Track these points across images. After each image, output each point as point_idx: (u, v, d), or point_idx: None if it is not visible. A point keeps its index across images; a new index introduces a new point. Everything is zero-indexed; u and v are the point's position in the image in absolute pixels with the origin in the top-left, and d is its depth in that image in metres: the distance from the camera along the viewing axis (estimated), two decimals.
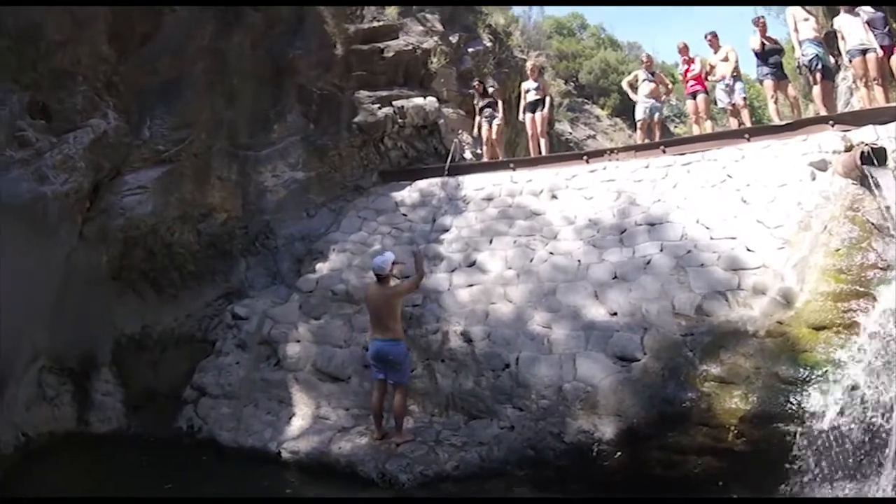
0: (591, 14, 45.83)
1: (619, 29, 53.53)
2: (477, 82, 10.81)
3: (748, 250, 6.37)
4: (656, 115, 10.03)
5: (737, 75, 9.37)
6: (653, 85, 10.05)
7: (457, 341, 6.62)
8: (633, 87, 10.26)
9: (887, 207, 5.66)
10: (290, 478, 6.10)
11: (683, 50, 10.11)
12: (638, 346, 5.89)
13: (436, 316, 6.96)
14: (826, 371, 4.88)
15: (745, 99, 9.45)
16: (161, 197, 7.79)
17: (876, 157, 5.96)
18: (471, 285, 7.24)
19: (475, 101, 10.57)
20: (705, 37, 9.73)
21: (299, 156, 9.02)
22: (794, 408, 4.82)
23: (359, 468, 5.87)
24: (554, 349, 6.21)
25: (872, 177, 5.86)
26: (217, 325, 7.95)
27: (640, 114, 10.05)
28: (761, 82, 9.40)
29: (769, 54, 8.91)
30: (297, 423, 6.71)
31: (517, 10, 18.63)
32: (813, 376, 4.90)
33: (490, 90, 10.63)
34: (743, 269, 6.23)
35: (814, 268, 5.64)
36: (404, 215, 8.75)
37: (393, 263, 6.32)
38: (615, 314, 6.33)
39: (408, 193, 9.06)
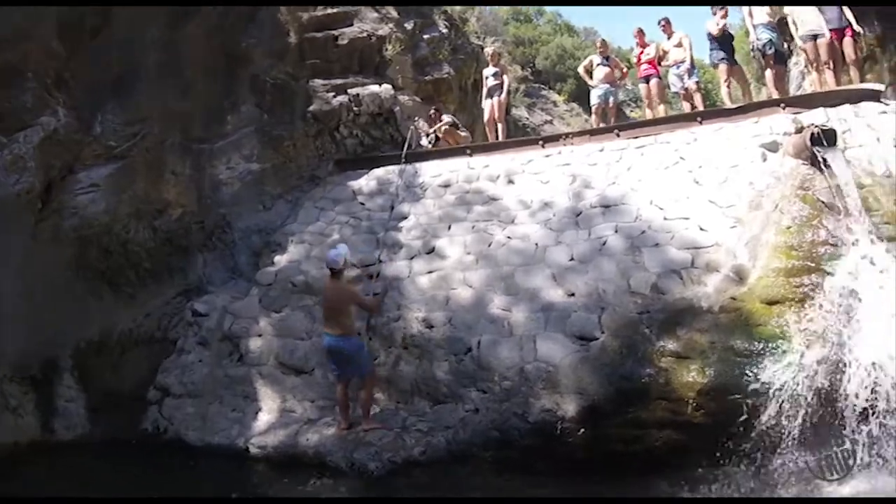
0: None
1: (576, 15, 53.86)
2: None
3: (701, 229, 6.52)
4: (611, 100, 10.11)
5: (692, 61, 9.55)
6: (607, 69, 10.12)
7: (418, 327, 6.66)
8: (589, 72, 10.35)
9: (837, 186, 5.86)
10: (260, 473, 6.09)
11: (639, 34, 10.23)
12: (596, 326, 6.01)
13: (397, 303, 6.98)
14: (779, 343, 5.06)
15: (698, 83, 9.64)
16: (114, 194, 7.63)
17: (825, 138, 6.15)
18: (430, 272, 7.27)
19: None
20: (658, 22, 9.89)
21: (254, 147, 8.89)
22: (749, 379, 5.00)
23: (327, 458, 5.89)
24: (514, 331, 6.29)
25: (822, 157, 6.05)
26: (177, 323, 7.83)
27: (595, 98, 10.14)
28: (715, 66, 9.61)
29: (728, 38, 9.10)
30: (264, 417, 6.68)
31: None
32: (767, 348, 5.08)
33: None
34: (696, 247, 6.38)
35: (765, 245, 5.81)
36: (362, 204, 8.69)
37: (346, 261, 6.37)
38: (573, 295, 6.43)
39: (365, 182, 9.00)
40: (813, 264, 5.49)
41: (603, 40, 10.76)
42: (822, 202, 5.88)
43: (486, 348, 6.21)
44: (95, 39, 7.58)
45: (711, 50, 9.34)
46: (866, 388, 4.72)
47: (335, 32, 9.96)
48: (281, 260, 8.04)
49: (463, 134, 10.00)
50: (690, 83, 9.48)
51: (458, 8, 13.98)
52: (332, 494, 5.60)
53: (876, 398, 4.70)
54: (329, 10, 10.12)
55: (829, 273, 5.40)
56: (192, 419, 6.86)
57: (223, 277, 8.33)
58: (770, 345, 5.09)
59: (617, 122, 10.11)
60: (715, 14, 9.17)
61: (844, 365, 4.85)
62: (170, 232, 8.17)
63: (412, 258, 7.54)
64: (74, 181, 7.44)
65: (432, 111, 10.29)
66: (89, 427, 7.15)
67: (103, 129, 7.63)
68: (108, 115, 7.66)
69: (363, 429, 6.07)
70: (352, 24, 10.22)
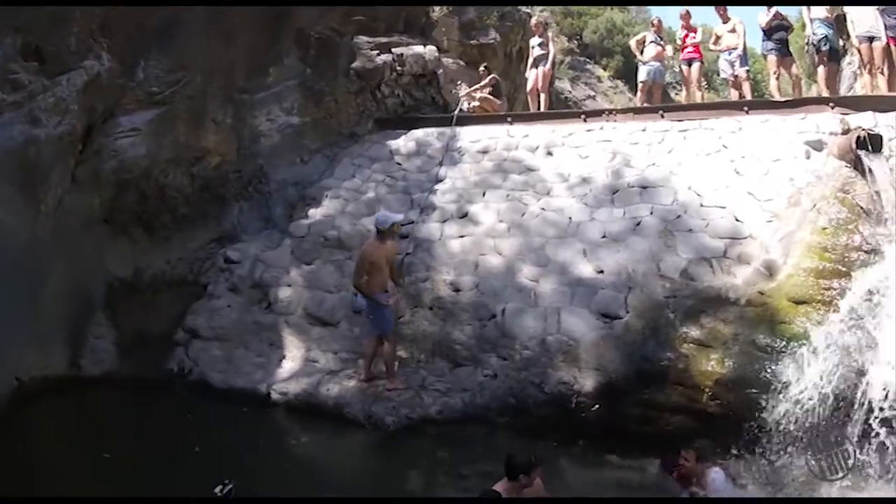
0: None
1: None
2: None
3: (737, 220, 6.48)
4: (659, 78, 10.03)
5: (744, 49, 9.36)
6: (659, 48, 10.01)
7: (446, 290, 6.73)
8: (641, 48, 10.18)
9: (878, 193, 5.78)
10: (279, 419, 6.22)
11: (685, 16, 10.07)
12: (622, 305, 6.04)
13: (426, 265, 7.05)
14: (802, 343, 5.03)
15: (748, 72, 9.42)
16: (154, 139, 7.71)
17: (871, 143, 6.03)
18: (462, 236, 7.32)
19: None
20: (716, 7, 9.65)
21: (295, 100, 8.92)
22: (768, 375, 5.00)
23: (346, 410, 6.02)
24: (540, 302, 6.35)
25: (866, 162, 5.95)
26: (209, 268, 7.97)
27: (643, 75, 10.01)
28: (765, 57, 9.37)
29: (775, 30, 8.86)
30: (288, 365, 6.80)
31: None
32: (789, 347, 5.07)
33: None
34: (730, 237, 6.35)
35: (799, 243, 5.76)
36: (399, 164, 8.72)
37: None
38: (602, 272, 6.44)
39: (403, 142, 9.01)
40: (844, 268, 5.44)
41: (659, 19, 10.61)
42: (861, 207, 5.79)
43: (511, 316, 6.27)
44: None
45: (763, 41, 9.12)
46: (885, 394, 4.67)
47: None
48: (315, 213, 8.13)
49: (498, 102, 9.89)
50: (741, 71, 9.28)
51: None
52: (348, 446, 5.74)
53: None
54: None
55: (859, 278, 5.32)
56: (218, 362, 6.98)
57: (257, 227, 8.42)
58: (792, 344, 5.08)
59: (662, 101, 9.98)
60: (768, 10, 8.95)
61: (863, 373, 4.79)
62: (207, 179, 8.27)
63: (445, 221, 7.59)
64: (115, 125, 7.51)
65: (482, 68, 10.12)
66: (117, 364, 7.22)
67: (146, 75, 7.67)
68: (150, 61, 7.69)
69: (386, 387, 6.16)
70: None
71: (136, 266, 7.84)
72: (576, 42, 22.35)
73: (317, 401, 6.23)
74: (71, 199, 7.18)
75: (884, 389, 4.66)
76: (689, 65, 9.82)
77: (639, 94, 10.34)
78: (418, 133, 9.08)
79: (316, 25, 9.12)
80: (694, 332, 5.47)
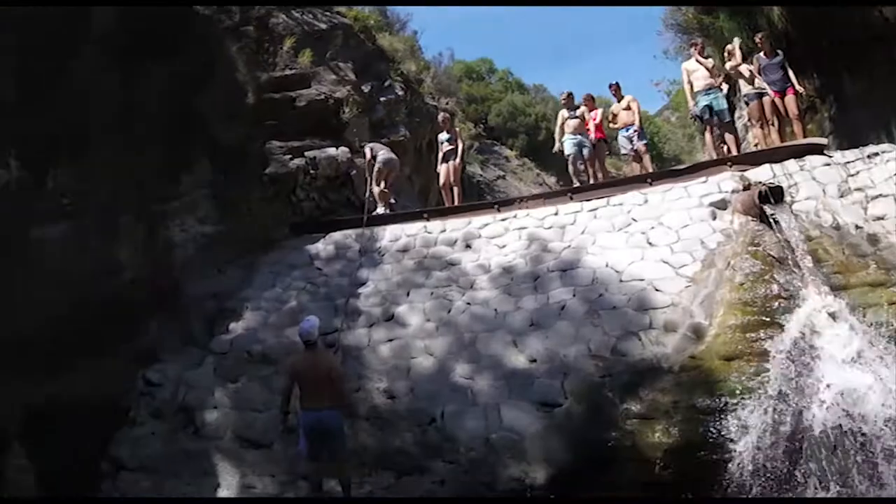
0: (499, 58, 47.76)
1: (527, 72, 55.88)
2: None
3: (656, 290, 6.67)
4: (585, 151, 10.02)
5: (640, 124, 10.07)
6: (577, 121, 10.13)
7: (380, 398, 6.56)
8: (562, 127, 10.27)
9: (786, 241, 6.15)
10: None
11: (588, 99, 10.57)
12: (559, 391, 6.05)
13: (357, 373, 6.85)
14: (739, 399, 5.22)
15: (646, 145, 10.07)
16: (66, 254, 7.29)
17: (773, 195, 6.47)
18: (391, 339, 7.20)
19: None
20: (609, 86, 10.32)
21: (208, 209, 8.72)
22: (713, 435, 5.13)
23: None
24: (478, 400, 6.26)
25: (771, 214, 6.36)
26: (129, 391, 7.45)
27: (569, 148, 10.09)
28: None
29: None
30: (223, 493, 6.40)
31: (429, 55, 19.16)
32: (728, 405, 5.23)
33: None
34: (653, 308, 6.52)
35: (720, 302, 6.01)
36: (319, 269, 8.57)
37: None
38: (535, 361, 6.45)
39: (322, 246, 8.90)
40: (768, 318, 5.71)
41: (569, 93, 10.46)
42: (773, 257, 6.14)
43: (451, 418, 6.16)
44: (51, 91, 7.39)
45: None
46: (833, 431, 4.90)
47: (293, 94, 10.04)
48: (236, 327, 7.82)
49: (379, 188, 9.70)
50: (640, 145, 9.89)
51: (413, 69, 14.31)
52: None
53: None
54: (288, 72, 10.22)
55: (783, 326, 5.61)
56: (149, 494, 6.54)
57: (176, 344, 7.97)
58: (731, 401, 5.25)
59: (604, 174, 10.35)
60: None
61: (807, 415, 5.02)
62: (120, 295, 7.85)
63: (371, 326, 7.45)
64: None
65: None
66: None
67: (55, 184, 7.39)
68: (59, 169, 7.43)
69: None
70: (309, 86, 10.33)
71: (52, 393, 7.14)
72: (481, 126, 23.42)
73: None
74: None
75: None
76: (594, 146, 10.16)
77: (570, 167, 10.22)
78: (336, 236, 9.00)
79: (226, 132, 9.08)
80: (635, 407, 5.56)
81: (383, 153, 9.81)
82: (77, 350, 7.46)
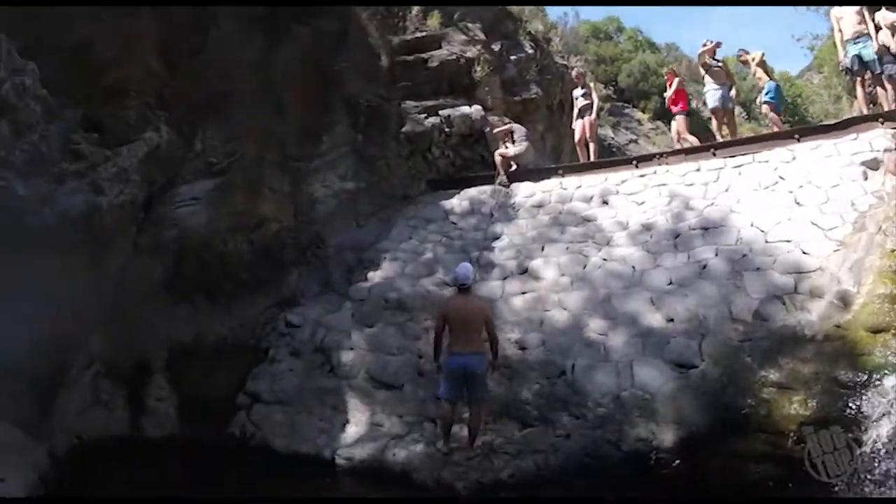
0: (627, 17, 45.67)
1: (656, 31, 53.06)
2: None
3: (804, 253, 6.29)
4: (729, 103, 9.83)
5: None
6: (720, 69, 9.87)
7: (511, 349, 6.62)
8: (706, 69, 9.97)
9: None
10: (345, 485, 6.12)
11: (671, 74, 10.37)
12: (696, 353, 5.85)
13: None
14: (884, 374, 4.83)
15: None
16: (214, 208, 7.92)
17: None
18: (524, 293, 7.25)
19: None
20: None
21: (348, 167, 9.15)
22: (853, 412, 4.78)
23: (414, 475, 5.90)
24: (611, 356, 6.18)
25: None
26: (270, 332, 8.03)
27: (713, 101, 9.85)
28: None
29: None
30: (352, 430, 6.72)
31: (554, 15, 18.65)
32: (871, 380, 4.86)
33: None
34: (799, 272, 6.15)
35: (870, 269, 5.59)
36: (454, 223, 8.79)
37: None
38: (672, 320, 6.27)
39: (457, 202, 9.11)
40: None
41: (717, 42, 10.02)
42: None
43: (581, 372, 6.12)
44: (194, 60, 7.87)
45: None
46: None
47: (425, 55, 10.23)
48: (374, 276, 8.20)
49: (513, 153, 9.44)
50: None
51: (541, 28, 14.02)
52: None
53: None
54: (418, 34, 10.38)
55: None
56: (280, 426, 6.95)
57: (316, 291, 8.49)
58: (875, 376, 4.87)
59: (732, 126, 9.94)
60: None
61: None
62: (266, 246, 8.42)
63: (505, 278, 7.54)
64: (175, 194, 7.74)
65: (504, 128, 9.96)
66: (178, 427, 7.26)
67: (203, 146, 7.93)
68: (207, 132, 7.96)
69: (467, 455, 5.93)
70: (440, 47, 10.45)
71: (198, 331, 7.92)
72: (612, 88, 22.54)
73: (383, 465, 6.14)
74: (132, 266, 7.35)
75: None
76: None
77: (713, 120, 10.06)
78: (471, 192, 9.18)
79: (364, 93, 9.41)
80: (773, 375, 5.29)
81: (520, 147, 9.49)
82: (224, 293, 8.15)
